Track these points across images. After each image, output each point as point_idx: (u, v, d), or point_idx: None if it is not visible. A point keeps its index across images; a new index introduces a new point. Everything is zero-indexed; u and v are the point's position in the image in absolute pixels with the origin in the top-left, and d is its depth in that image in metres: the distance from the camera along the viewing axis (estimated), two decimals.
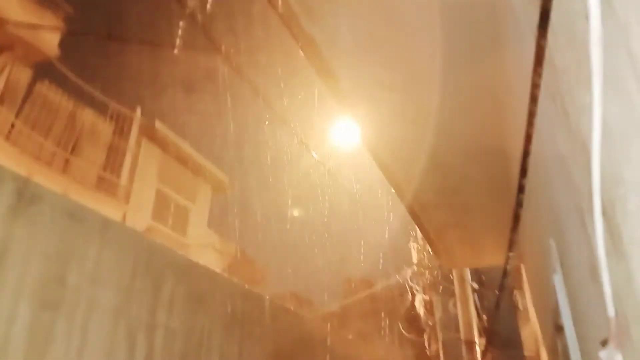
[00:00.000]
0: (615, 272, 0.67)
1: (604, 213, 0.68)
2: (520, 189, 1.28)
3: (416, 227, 5.48)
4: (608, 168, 0.64)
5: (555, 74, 0.88)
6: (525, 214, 2.83)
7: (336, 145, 10.37)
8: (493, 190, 3.99)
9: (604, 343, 0.72)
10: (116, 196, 13.51)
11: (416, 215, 4.60)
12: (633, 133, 0.57)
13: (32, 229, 1.16)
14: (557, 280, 1.42)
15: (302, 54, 2.58)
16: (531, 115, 0.92)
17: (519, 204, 1.38)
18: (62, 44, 11.55)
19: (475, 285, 9.55)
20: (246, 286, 2.02)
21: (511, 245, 1.75)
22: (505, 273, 2.20)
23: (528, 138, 0.97)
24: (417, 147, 3.53)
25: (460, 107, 3.08)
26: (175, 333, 1.57)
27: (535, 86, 0.75)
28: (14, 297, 1.09)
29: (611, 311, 0.68)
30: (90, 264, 1.30)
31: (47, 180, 10.02)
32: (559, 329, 1.51)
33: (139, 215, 13.42)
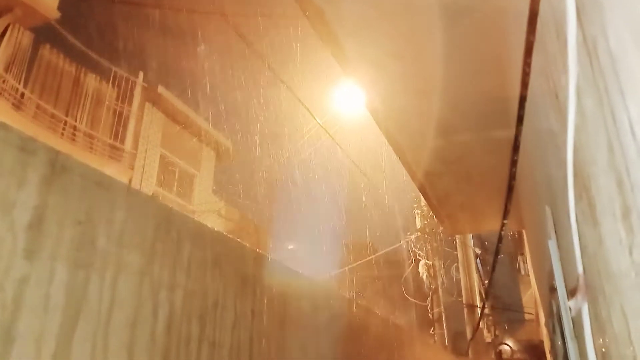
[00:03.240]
0: (591, 236, 0.76)
1: (584, 187, 0.76)
2: (513, 163, 1.37)
3: (420, 194, 5.59)
4: (585, 149, 0.73)
5: (547, 59, 0.95)
6: (525, 182, 2.92)
7: (341, 112, 10.38)
8: (495, 159, 4.07)
9: (573, 293, 0.82)
10: (121, 162, 13.61)
11: (420, 182, 4.69)
12: (601, 123, 0.65)
13: (65, 196, 1.25)
14: (552, 245, 1.52)
15: (309, 23, 2.62)
16: (522, 99, 0.99)
17: (512, 177, 1.47)
18: (62, 7, 11.40)
19: (478, 251, 9.76)
20: (258, 250, 2.14)
21: (505, 214, 1.84)
22: (500, 239, 2.30)
23: (519, 121, 1.05)
24: (421, 116, 3.59)
25: (464, 76, 3.12)
26: (194, 293, 1.68)
27: (525, 74, 0.82)
28: (51, 259, 1.19)
29: (580, 268, 0.78)
30: (117, 229, 1.40)
31: (54, 147, 10.11)
32: (552, 290, 1.62)
33: (144, 181, 13.56)
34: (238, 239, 2.01)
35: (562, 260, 1.42)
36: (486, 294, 8.73)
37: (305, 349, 2.53)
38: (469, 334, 8.00)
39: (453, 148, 4.16)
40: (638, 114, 0.51)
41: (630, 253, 0.57)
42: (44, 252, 1.18)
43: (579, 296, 0.80)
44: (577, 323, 0.97)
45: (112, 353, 1.30)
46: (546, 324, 2.85)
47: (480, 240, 10.48)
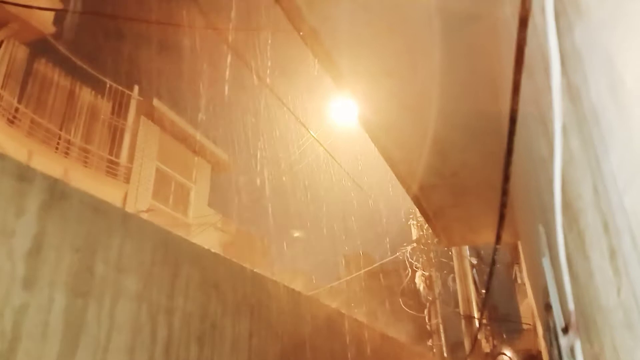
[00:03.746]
0: (582, 266, 0.78)
1: (574, 219, 0.78)
2: (506, 180, 1.38)
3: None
4: (573, 184, 0.75)
5: (535, 86, 0.97)
6: (519, 197, 2.94)
7: (336, 123, 10.42)
8: (489, 172, 4.09)
9: (565, 330, 0.83)
10: (116, 176, 13.58)
11: (415, 195, 4.70)
12: (586, 165, 0.67)
13: (63, 223, 1.26)
14: (546, 263, 1.53)
15: (303, 42, 2.65)
16: (513, 117, 1.01)
17: (504, 194, 1.48)
18: (57, 22, 11.46)
19: (474, 261, 9.76)
20: (255, 270, 2.14)
21: (498, 239, 1.86)
22: (494, 261, 2.31)
23: (510, 146, 1.07)
24: (414, 131, 3.62)
25: (457, 92, 3.15)
26: (192, 316, 1.69)
27: (515, 95, 0.83)
28: (50, 287, 1.20)
29: (571, 305, 0.79)
30: (115, 254, 1.40)
31: (49, 161, 10.08)
32: (548, 307, 1.63)
33: (139, 194, 13.53)
34: (235, 260, 2.01)
35: (557, 279, 1.43)
36: (483, 304, 8.72)
37: (296, 354, 2.53)
38: (467, 345, 7.97)
39: (448, 162, 4.18)
40: (619, 166, 0.53)
41: (619, 294, 0.58)
42: (43, 279, 1.19)
43: (572, 333, 0.81)
44: (570, 354, 0.99)
45: None
46: (544, 337, 2.86)
47: (476, 251, 10.50)
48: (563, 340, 0.84)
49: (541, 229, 1.62)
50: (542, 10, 0.67)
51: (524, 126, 1.56)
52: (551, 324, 1.92)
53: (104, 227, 1.37)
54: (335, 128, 10.69)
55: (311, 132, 9.12)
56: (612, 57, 0.53)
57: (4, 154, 1.11)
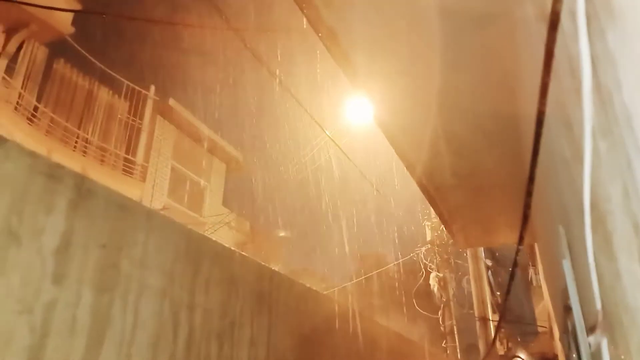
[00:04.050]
0: (608, 268, 0.78)
1: (600, 221, 0.78)
2: (530, 181, 1.38)
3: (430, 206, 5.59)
4: (601, 186, 0.75)
5: (560, 88, 0.97)
6: (536, 198, 2.92)
7: (351, 122, 10.42)
8: (506, 172, 4.07)
9: (592, 330, 0.83)
10: (133, 174, 13.75)
11: (430, 195, 4.69)
12: (616, 167, 0.67)
13: (90, 220, 1.29)
14: (566, 265, 1.52)
15: (322, 43, 2.67)
16: (540, 119, 1.01)
17: (528, 195, 1.47)
18: (76, 23, 11.63)
19: (489, 263, 9.70)
20: (274, 268, 2.16)
21: (521, 240, 1.85)
22: (515, 263, 2.31)
23: (536, 148, 1.07)
24: (431, 131, 3.61)
25: (474, 92, 3.14)
26: (212, 312, 1.71)
27: (543, 92, 0.83)
28: (78, 283, 1.23)
29: (598, 304, 0.79)
30: (139, 251, 1.43)
31: (68, 159, 10.22)
32: (567, 309, 1.62)
33: (155, 193, 13.67)
34: (254, 258, 2.04)
35: (577, 281, 1.43)
36: (500, 306, 8.66)
37: (314, 352, 2.54)
38: (481, 347, 7.92)
39: (464, 162, 4.16)
40: None
41: None
42: (71, 276, 1.21)
43: (599, 333, 0.81)
44: (595, 354, 0.99)
45: None
46: (561, 340, 2.83)
47: (491, 252, 10.42)
48: (586, 341, 0.85)
49: (561, 230, 1.61)
50: (570, 13, 0.67)
51: (545, 127, 1.55)
52: (570, 326, 1.91)
53: (128, 224, 1.40)
54: (351, 127, 10.69)
55: (326, 131, 9.13)
56: None
57: (35, 152, 1.14)
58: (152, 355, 1.40)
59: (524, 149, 3.02)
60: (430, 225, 10.13)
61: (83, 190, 1.28)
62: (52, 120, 12.06)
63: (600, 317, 0.81)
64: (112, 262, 1.33)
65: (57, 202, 1.19)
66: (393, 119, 3.67)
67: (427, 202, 5.38)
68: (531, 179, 1.16)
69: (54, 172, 1.20)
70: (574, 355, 1.68)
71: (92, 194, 1.30)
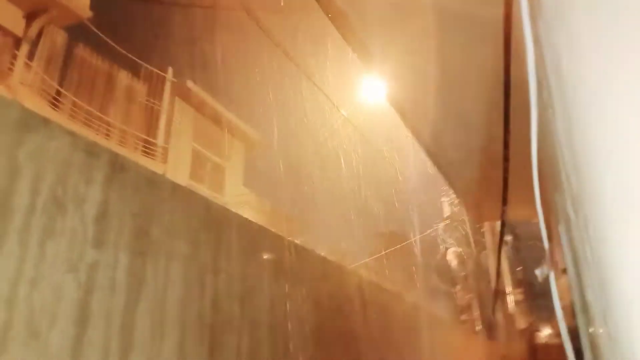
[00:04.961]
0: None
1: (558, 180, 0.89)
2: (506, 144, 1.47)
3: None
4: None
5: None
6: (544, 166, 2.99)
7: (368, 101, 10.46)
8: (519, 147, 4.13)
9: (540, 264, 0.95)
10: (155, 156, 14.02)
11: (444, 171, 4.78)
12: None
13: (123, 192, 1.44)
14: (561, 229, 1.64)
15: (333, 25, 2.76)
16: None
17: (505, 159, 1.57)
18: (93, 6, 11.80)
19: (509, 237, 9.74)
20: (291, 239, 2.31)
21: (505, 204, 1.95)
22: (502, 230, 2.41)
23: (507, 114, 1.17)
24: (442, 107, 3.69)
25: (486, 68, 3.21)
26: (234, 277, 1.86)
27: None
28: (115, 247, 1.38)
29: (546, 244, 0.90)
30: (167, 220, 1.58)
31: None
32: (564, 271, 1.74)
33: (177, 175, 13.95)
34: (273, 229, 2.18)
35: (571, 247, 1.54)
36: (522, 282, 8.75)
37: (339, 329, 2.70)
38: (499, 321, 8.05)
39: (478, 137, 4.23)
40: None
41: None
42: (109, 241, 1.37)
43: (547, 266, 0.93)
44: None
45: (168, 327, 1.50)
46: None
47: (511, 228, 10.44)
48: (537, 271, 0.97)
49: (556, 196, 1.71)
50: None
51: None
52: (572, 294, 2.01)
53: (156, 196, 1.55)
54: (367, 105, 10.73)
55: (342, 111, 9.20)
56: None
57: (75, 132, 1.29)
58: (182, 312, 1.57)
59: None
60: (448, 202, 10.21)
61: (116, 165, 1.43)
62: (74, 104, 12.33)
63: (547, 253, 0.93)
64: (144, 229, 1.48)
65: (95, 175, 1.34)
66: (405, 96, 3.76)
67: (443, 178, 5.47)
68: (505, 144, 1.27)
69: (91, 149, 1.35)
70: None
71: (124, 169, 1.45)
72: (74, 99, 12.68)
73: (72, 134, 1.31)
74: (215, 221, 1.84)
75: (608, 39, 0.71)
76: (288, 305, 2.23)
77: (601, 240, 0.95)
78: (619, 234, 0.84)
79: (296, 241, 2.42)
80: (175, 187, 1.69)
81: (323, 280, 2.59)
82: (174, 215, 1.63)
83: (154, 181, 1.58)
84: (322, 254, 2.58)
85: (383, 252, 12.52)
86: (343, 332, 2.74)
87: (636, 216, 0.76)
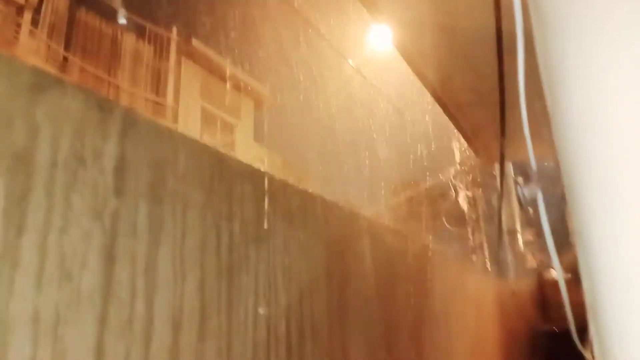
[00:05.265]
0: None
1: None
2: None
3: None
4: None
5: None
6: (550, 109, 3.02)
7: (372, 52, 10.32)
8: (527, 87, 4.12)
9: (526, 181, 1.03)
10: (165, 117, 14.10)
11: (451, 114, 4.80)
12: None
13: (137, 145, 1.52)
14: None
15: None
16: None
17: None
18: None
19: (520, 179, 9.79)
20: (301, 187, 2.40)
21: (503, 133, 2.01)
22: (502, 169, 2.48)
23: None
24: (449, 50, 3.69)
25: (489, 9, 3.18)
26: (248, 222, 1.97)
27: None
28: (134, 196, 1.48)
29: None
30: (181, 170, 1.67)
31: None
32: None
33: (188, 133, 14.00)
34: (283, 178, 2.27)
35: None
36: (534, 223, 8.85)
37: (348, 269, 2.84)
38: (510, 260, 8.23)
39: (484, 79, 4.22)
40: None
41: None
42: (129, 190, 1.47)
43: (534, 184, 1.01)
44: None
45: (188, 268, 1.62)
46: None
47: (521, 168, 10.43)
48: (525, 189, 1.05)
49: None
50: None
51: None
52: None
53: (170, 148, 1.63)
54: (375, 54, 10.59)
55: (349, 60, 9.12)
56: None
57: (88, 90, 1.36)
58: (200, 255, 1.68)
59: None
60: (458, 146, 10.21)
61: (129, 120, 1.51)
62: (82, 69, 12.34)
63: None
64: (160, 179, 1.58)
65: (110, 130, 1.42)
66: (411, 40, 3.75)
67: (451, 122, 5.49)
68: (500, 76, 1.32)
69: (104, 105, 1.43)
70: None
71: (137, 123, 1.53)
72: (81, 63, 12.66)
73: (85, 91, 1.38)
74: (227, 170, 1.93)
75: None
76: (302, 247, 2.35)
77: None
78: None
79: (308, 189, 2.51)
80: (187, 139, 1.78)
81: (333, 224, 2.70)
82: (187, 165, 1.72)
83: (164, 134, 1.66)
84: (332, 200, 2.68)
85: (398, 199, 12.67)
86: (351, 273, 2.87)
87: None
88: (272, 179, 2.35)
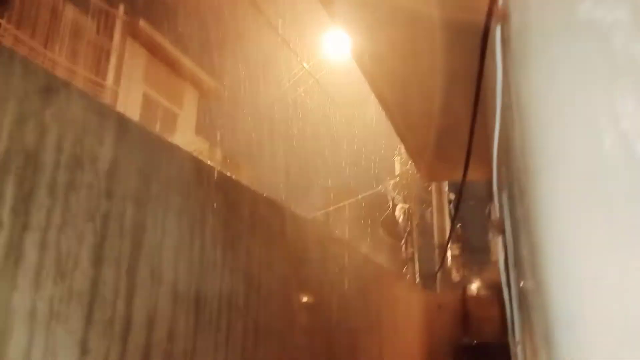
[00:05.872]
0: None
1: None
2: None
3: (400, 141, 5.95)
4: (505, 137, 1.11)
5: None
6: (488, 137, 3.30)
7: (328, 59, 10.51)
8: (470, 115, 4.42)
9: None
10: (103, 98, 13.52)
11: (401, 132, 5.03)
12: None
13: (129, 150, 1.59)
14: (504, 197, 1.93)
15: None
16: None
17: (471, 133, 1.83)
18: None
19: (452, 197, 10.34)
20: (265, 195, 2.51)
21: (465, 174, 2.23)
22: (461, 190, 2.72)
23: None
24: (406, 68, 3.86)
25: (448, 37, 3.40)
26: (217, 229, 2.07)
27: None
28: (123, 199, 1.55)
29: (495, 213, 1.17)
30: (164, 176, 1.75)
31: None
32: (501, 232, 2.05)
33: None
34: (250, 187, 2.38)
35: (512, 216, 1.83)
36: (461, 238, 9.34)
37: (297, 269, 2.98)
38: (438, 274, 8.68)
39: (436, 104, 4.48)
40: None
41: None
42: (118, 194, 1.53)
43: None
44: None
45: (164, 268, 1.70)
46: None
47: (455, 187, 11.01)
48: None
49: (504, 170, 1.99)
50: None
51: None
52: (503, 252, 2.34)
53: (156, 154, 1.71)
54: (329, 62, 10.80)
55: (304, 63, 9.25)
56: None
57: (89, 95, 1.42)
58: (176, 256, 1.77)
59: (488, 91, 3.34)
60: (399, 160, 10.63)
61: (123, 125, 1.57)
62: (16, 38, 11.62)
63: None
64: (145, 185, 1.65)
65: (106, 135, 1.48)
66: (369, 51, 3.88)
67: (398, 138, 5.74)
68: (474, 114, 1.51)
69: (102, 111, 1.48)
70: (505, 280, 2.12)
71: (130, 130, 1.60)
72: (16, 32, 11.95)
73: (86, 96, 1.44)
74: (204, 178, 2.02)
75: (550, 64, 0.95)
76: (261, 254, 2.46)
77: (533, 208, 1.22)
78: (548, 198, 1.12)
79: (270, 197, 2.63)
80: (172, 147, 1.85)
81: (290, 230, 2.83)
82: (169, 171, 1.80)
83: (153, 140, 1.73)
84: (286, 207, 2.81)
85: (335, 206, 12.92)
86: (305, 281, 3.01)
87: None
88: (240, 187, 2.44)
